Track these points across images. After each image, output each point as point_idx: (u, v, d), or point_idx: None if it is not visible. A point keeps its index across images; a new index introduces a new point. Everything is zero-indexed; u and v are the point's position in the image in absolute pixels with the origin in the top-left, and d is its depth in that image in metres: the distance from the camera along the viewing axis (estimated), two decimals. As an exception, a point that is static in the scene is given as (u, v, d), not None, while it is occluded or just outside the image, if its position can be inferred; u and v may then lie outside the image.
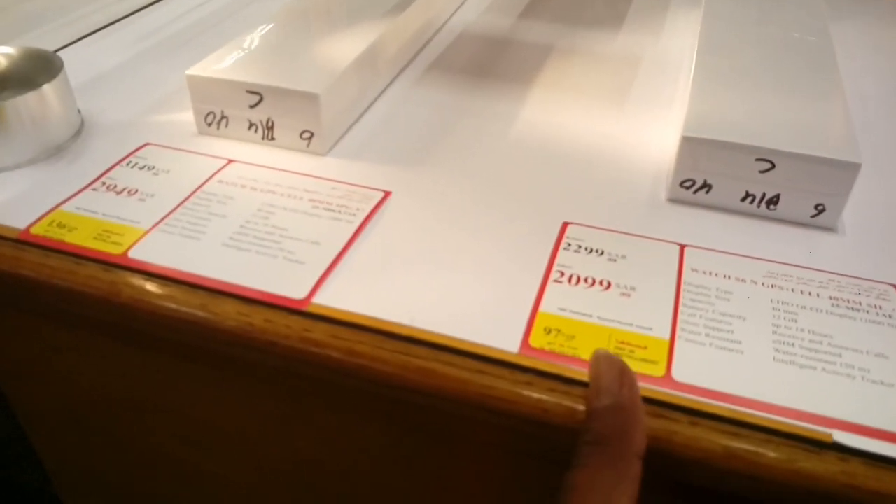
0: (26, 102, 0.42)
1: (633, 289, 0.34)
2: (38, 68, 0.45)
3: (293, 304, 0.33)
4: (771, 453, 0.27)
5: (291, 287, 0.34)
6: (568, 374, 0.30)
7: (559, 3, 0.70)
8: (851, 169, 0.37)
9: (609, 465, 0.25)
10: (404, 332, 0.32)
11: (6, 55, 0.46)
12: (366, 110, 0.50)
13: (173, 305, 0.33)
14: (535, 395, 0.29)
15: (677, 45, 0.62)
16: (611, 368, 0.28)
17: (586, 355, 0.30)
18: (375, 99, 0.52)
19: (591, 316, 0.32)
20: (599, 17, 0.68)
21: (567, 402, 0.29)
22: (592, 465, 0.25)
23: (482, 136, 0.48)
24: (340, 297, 0.33)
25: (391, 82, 0.54)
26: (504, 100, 0.52)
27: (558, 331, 0.32)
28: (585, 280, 0.35)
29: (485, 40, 0.62)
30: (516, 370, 0.30)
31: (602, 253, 0.36)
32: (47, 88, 0.43)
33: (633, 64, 0.58)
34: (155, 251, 0.36)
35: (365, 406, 0.34)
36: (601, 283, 0.34)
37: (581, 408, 0.29)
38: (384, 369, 0.30)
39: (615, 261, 0.36)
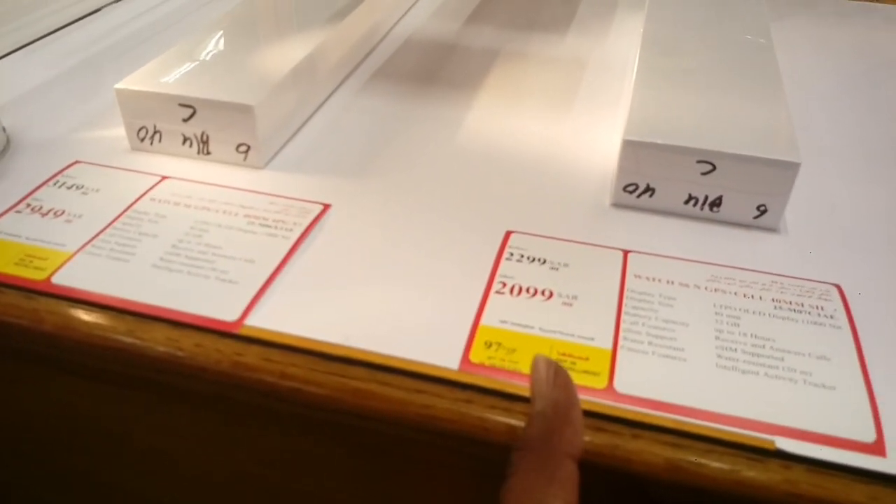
0: (-56, 122, 0.40)
1: (574, 297, 0.33)
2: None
3: (225, 327, 0.32)
4: (713, 463, 0.26)
5: (223, 309, 0.32)
6: (509, 389, 0.29)
7: (507, 8, 0.70)
8: (791, 168, 0.37)
9: (537, 469, 0.24)
10: (339, 353, 0.30)
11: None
12: (306, 121, 0.49)
13: (99, 333, 0.32)
14: (476, 413, 0.28)
15: (623, 47, 0.62)
16: (546, 371, 0.28)
17: (528, 369, 0.30)
18: (316, 109, 0.50)
19: (532, 327, 0.32)
20: (547, 21, 0.68)
21: (508, 420, 0.28)
22: (521, 470, 0.25)
23: (426, 144, 0.47)
24: (274, 318, 0.32)
25: (333, 92, 0.53)
26: (450, 106, 0.52)
27: (499, 344, 0.31)
28: (527, 290, 0.34)
29: (431, 46, 0.61)
30: (456, 388, 0.29)
31: (544, 261, 0.36)
32: (-33, 107, 0.41)
33: (580, 67, 0.58)
34: (80, 276, 0.34)
35: (303, 427, 0.33)
36: (543, 292, 0.34)
37: (523, 424, 0.28)
38: (319, 392, 0.29)
39: (557, 269, 0.35)
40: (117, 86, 0.43)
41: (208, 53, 0.48)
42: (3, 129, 0.45)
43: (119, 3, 0.69)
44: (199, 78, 0.44)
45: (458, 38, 0.63)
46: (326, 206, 0.40)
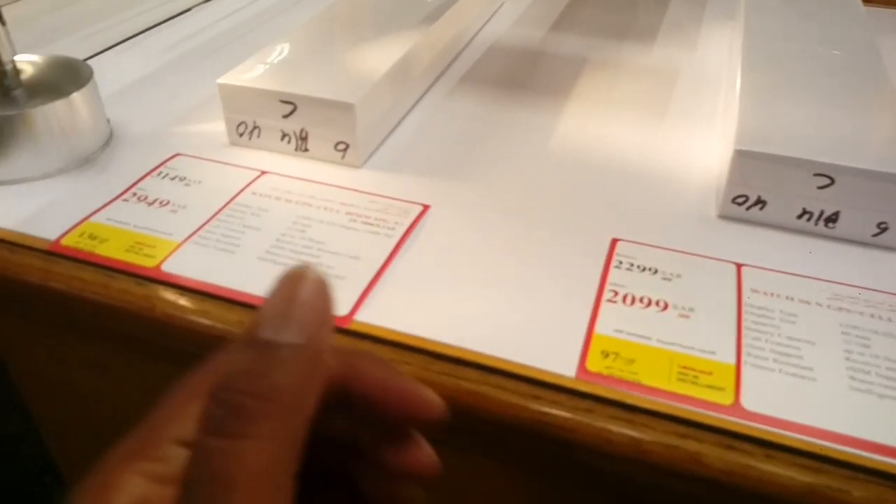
0: (55, 111, 0.41)
1: (691, 310, 0.32)
2: (66, 77, 0.44)
3: (337, 322, 0.31)
4: (857, 492, 0.25)
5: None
6: (630, 400, 0.28)
7: (590, 17, 0.69)
8: (917, 186, 0.35)
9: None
10: (452, 353, 0.30)
11: (34, 63, 0.45)
12: (399, 122, 0.49)
13: (208, 321, 0.32)
14: (597, 423, 0.27)
15: (714, 58, 0.60)
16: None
17: (648, 381, 0.29)
18: (409, 111, 0.50)
19: (649, 338, 0.31)
20: (632, 30, 0.67)
21: (631, 432, 0.27)
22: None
23: (520, 148, 0.46)
24: (383, 315, 0.32)
25: (424, 94, 0.53)
26: (539, 112, 0.51)
27: (616, 354, 0.30)
28: (640, 300, 0.33)
29: (516, 52, 0.61)
30: (574, 396, 0.28)
31: (655, 271, 0.35)
32: (76, 97, 0.42)
33: (670, 77, 0.57)
34: (188, 264, 0.34)
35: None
36: (657, 303, 0.33)
37: (646, 437, 0.27)
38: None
39: (670, 280, 0.34)
40: (220, 80, 0.43)
41: (307, 51, 0.48)
42: (108, 121, 0.46)
43: (209, 2, 0.70)
44: (301, 75, 0.44)
45: (542, 45, 0.62)
46: (426, 207, 0.39)
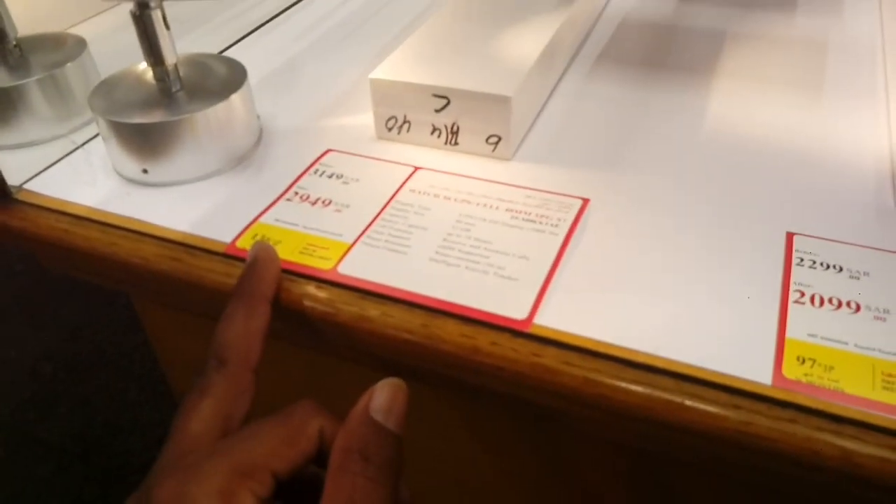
0: (216, 113, 0.42)
1: (886, 311, 0.31)
2: (219, 75, 0.45)
3: (516, 325, 0.32)
4: None
5: (510, 306, 0.32)
6: (835, 410, 0.27)
7: (721, -16, 0.66)
8: None
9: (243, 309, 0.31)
10: (643, 360, 0.30)
11: (187, 62, 0.46)
12: (542, 109, 0.48)
13: (393, 325, 0.32)
14: (802, 434, 0.27)
15: (865, 26, 0.57)
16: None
17: (851, 389, 0.28)
18: (549, 97, 0.49)
19: (846, 343, 0.30)
20: (769, -3, 0.63)
21: (841, 442, 0.26)
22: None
23: (672, 133, 0.45)
24: (562, 318, 0.32)
25: (560, 78, 0.52)
26: (685, 93, 0.49)
27: (813, 360, 0.29)
28: (830, 301, 0.32)
29: (649, 27, 0.59)
30: (775, 405, 0.28)
31: (841, 269, 0.33)
32: (235, 98, 0.43)
33: (819, 49, 0.54)
34: (364, 266, 0.35)
35: (593, 437, 0.32)
36: (848, 304, 0.31)
37: (859, 450, 0.26)
38: (627, 401, 0.29)
39: (858, 278, 0.33)
40: (372, 76, 0.44)
41: (452, 42, 0.47)
42: (258, 118, 0.47)
43: (328, -13, 0.70)
44: (452, 68, 0.44)
45: (675, 18, 0.60)
46: (586, 201, 0.39)
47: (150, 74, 0.43)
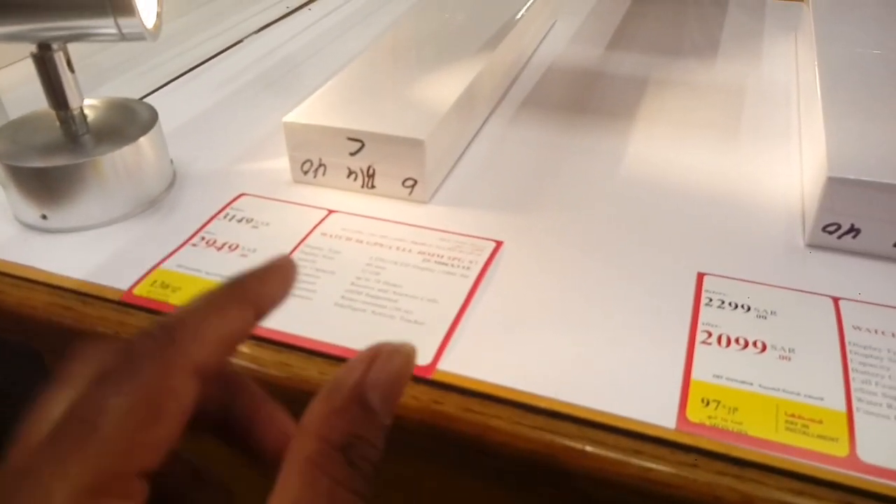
0: (123, 156, 0.41)
1: (791, 350, 0.31)
2: (130, 119, 0.44)
3: (419, 372, 0.30)
4: None
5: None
6: (736, 453, 0.26)
7: (646, 32, 0.68)
8: None
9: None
10: (544, 406, 0.29)
11: (97, 107, 0.45)
12: (463, 153, 0.48)
13: (290, 373, 0.31)
14: (704, 479, 0.26)
15: (781, 72, 0.58)
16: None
17: (755, 431, 0.27)
18: (470, 141, 0.49)
19: (751, 384, 0.29)
20: (691, 44, 0.65)
21: (741, 487, 0.25)
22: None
23: (590, 176, 0.45)
24: (467, 363, 0.31)
25: (485, 122, 0.52)
26: (606, 136, 0.50)
27: (718, 402, 0.28)
28: (737, 341, 0.31)
29: (575, 73, 0.60)
30: (677, 449, 0.27)
31: (749, 308, 0.33)
32: (144, 141, 0.42)
33: (737, 95, 0.55)
34: (264, 313, 0.34)
35: (498, 481, 0.31)
36: (755, 343, 0.31)
37: (759, 494, 0.25)
38: (527, 447, 0.27)
39: (765, 317, 0.32)
40: (285, 119, 0.43)
41: (369, 86, 0.47)
42: (171, 162, 0.46)
43: (259, 34, 0.70)
44: (367, 111, 0.43)
45: (601, 64, 0.61)
46: (499, 244, 0.38)
47: (57, 118, 0.42)
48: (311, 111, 0.43)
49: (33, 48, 0.40)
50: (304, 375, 0.31)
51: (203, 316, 0.19)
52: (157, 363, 0.18)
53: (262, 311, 0.21)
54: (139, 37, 0.39)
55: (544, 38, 0.67)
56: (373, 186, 0.43)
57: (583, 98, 0.55)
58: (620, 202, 0.42)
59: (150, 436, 0.18)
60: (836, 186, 0.35)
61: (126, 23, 0.38)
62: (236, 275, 0.21)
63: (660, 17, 0.72)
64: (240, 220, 0.41)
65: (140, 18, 0.38)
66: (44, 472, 0.16)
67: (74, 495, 0.16)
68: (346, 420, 0.19)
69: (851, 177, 0.35)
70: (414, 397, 0.29)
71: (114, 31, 0.38)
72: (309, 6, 0.78)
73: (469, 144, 0.49)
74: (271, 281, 0.21)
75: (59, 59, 0.40)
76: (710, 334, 0.32)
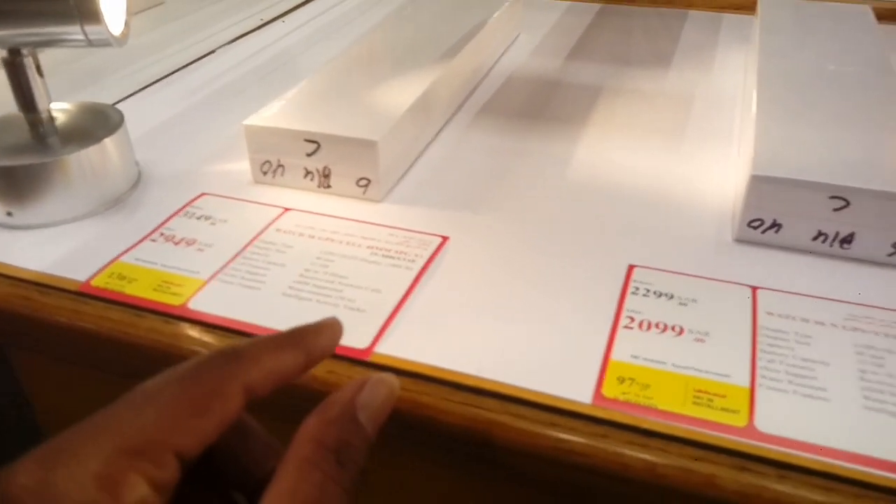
0: (88, 156, 0.43)
1: (706, 334, 0.33)
2: (97, 122, 0.46)
3: (355, 354, 0.32)
4: (872, 511, 0.25)
5: (353, 336, 0.33)
6: (645, 425, 0.28)
7: (606, 44, 0.70)
8: (932, 205, 0.35)
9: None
10: (471, 383, 0.31)
11: (67, 110, 0.47)
12: (419, 156, 0.50)
13: (235, 357, 0.33)
14: (612, 448, 0.28)
15: (730, 81, 0.61)
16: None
17: (663, 405, 0.29)
18: (428, 144, 0.51)
19: (665, 363, 0.31)
20: (647, 56, 0.67)
21: (646, 456, 0.27)
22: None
23: (538, 178, 0.47)
24: (403, 346, 0.33)
25: (443, 127, 0.54)
26: (558, 141, 0.52)
27: (632, 380, 0.30)
28: (657, 325, 0.33)
29: (534, 83, 0.62)
30: (590, 422, 0.29)
31: (672, 297, 0.35)
32: (108, 142, 0.44)
33: (686, 102, 0.58)
34: (215, 302, 0.36)
35: (429, 456, 0.33)
36: (673, 328, 0.33)
37: (662, 461, 0.27)
38: (452, 422, 0.29)
39: (686, 305, 0.35)
40: (246, 122, 0.45)
41: (329, 91, 0.49)
42: (137, 163, 0.48)
43: (232, 44, 0.72)
44: (324, 114, 0.45)
45: (559, 74, 0.64)
46: (445, 239, 0.40)
47: (25, 121, 0.44)
48: (270, 115, 0.46)
49: (4, 53, 0.42)
50: (248, 357, 0.32)
51: (265, 349, 0.24)
52: (218, 369, 0.22)
53: (312, 358, 0.25)
54: (105, 43, 0.41)
55: (507, 50, 0.69)
56: (329, 186, 0.45)
57: (539, 106, 0.58)
58: (564, 202, 0.44)
59: (192, 423, 0.21)
60: (758, 184, 0.38)
61: (93, 30, 0.40)
62: (296, 326, 0.25)
63: (621, 30, 0.75)
64: (199, 218, 0.43)
65: (106, 25, 0.40)
66: (94, 425, 0.20)
67: (115, 449, 0.20)
68: (337, 428, 0.23)
69: (773, 175, 0.37)
70: (349, 377, 0.31)
71: (81, 37, 0.40)
72: (282, 18, 0.81)
73: (426, 148, 0.51)
74: (323, 334, 0.26)
75: (29, 64, 0.42)
76: (632, 319, 0.34)
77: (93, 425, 0.20)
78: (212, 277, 0.37)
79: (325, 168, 0.44)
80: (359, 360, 0.32)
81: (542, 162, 0.49)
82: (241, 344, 0.24)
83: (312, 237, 0.41)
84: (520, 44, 0.71)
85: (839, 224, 0.37)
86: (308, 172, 0.45)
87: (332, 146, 0.43)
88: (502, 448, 0.29)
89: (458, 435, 0.29)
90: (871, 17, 0.60)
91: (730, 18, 0.77)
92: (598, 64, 0.66)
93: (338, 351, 0.32)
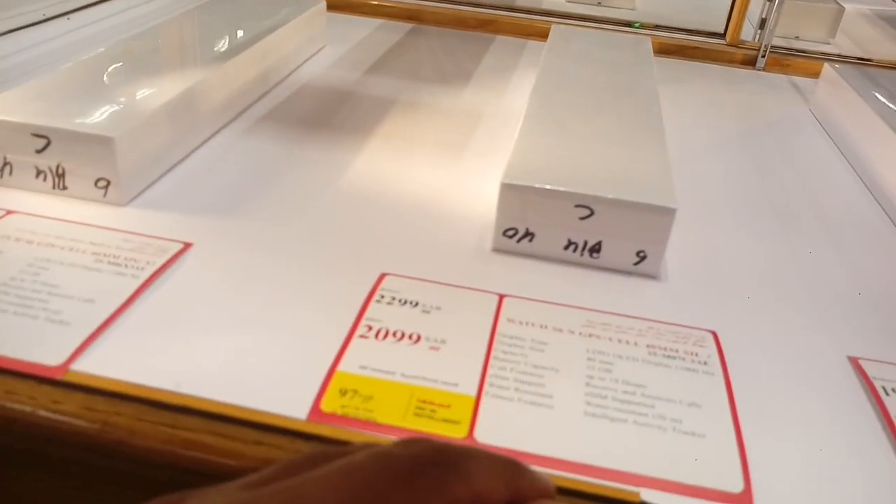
0: None
1: (443, 342, 0.31)
2: None
3: (45, 373, 0.28)
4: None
5: (47, 352, 0.29)
6: (359, 439, 0.26)
7: (409, 62, 0.70)
8: (668, 214, 0.36)
9: None
10: (174, 402, 0.27)
11: None
12: (182, 160, 0.46)
13: None
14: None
15: (518, 101, 0.62)
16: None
17: (383, 418, 0.27)
18: (195, 149, 0.48)
19: (393, 373, 0.29)
20: (447, 75, 0.67)
21: (354, 473, 0.25)
22: None
23: (309, 185, 0.45)
24: (106, 363, 0.29)
25: (217, 132, 0.51)
26: (339, 150, 0.50)
27: (355, 391, 0.28)
28: (394, 334, 0.32)
29: (327, 93, 0.60)
30: (299, 439, 0.26)
31: (416, 304, 0.34)
32: None
33: (475, 119, 0.58)
34: None
35: (128, 486, 0.29)
36: (411, 336, 0.32)
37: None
38: (145, 444, 0.26)
39: (429, 312, 0.33)
40: (-37, 113, 0.40)
41: (78, 85, 0.45)
42: None
43: (5, 36, 0.65)
44: (59, 108, 0.41)
45: (355, 86, 0.62)
46: (187, 245, 0.37)
47: None
48: (-4, 106, 0.40)
49: None
50: None
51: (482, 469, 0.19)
52: (435, 480, 0.18)
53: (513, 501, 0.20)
54: None
55: (307, 61, 0.67)
56: (65, 187, 0.40)
57: (327, 116, 0.56)
58: (329, 210, 0.42)
59: None
60: (507, 192, 0.37)
61: None
62: (524, 464, 0.20)
63: (426, 49, 0.74)
64: None
65: None
66: None
67: None
68: None
69: (521, 183, 0.37)
70: (31, 397, 0.27)
71: None
72: (67, 16, 0.74)
73: (192, 152, 0.47)
74: (537, 487, 0.20)
75: None
76: (370, 328, 0.32)
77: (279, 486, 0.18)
78: None
79: (58, 167, 0.40)
80: (46, 379, 0.28)
81: (317, 170, 0.47)
82: (454, 448, 0.19)
83: (31, 242, 0.36)
84: (322, 55, 0.69)
85: (587, 233, 0.38)
86: (40, 172, 0.40)
87: (63, 142, 0.39)
88: (200, 471, 0.26)
89: (152, 459, 0.26)
90: (649, 47, 0.63)
91: (532, 44, 0.79)
92: (396, 79, 0.65)
93: (23, 369, 0.28)
